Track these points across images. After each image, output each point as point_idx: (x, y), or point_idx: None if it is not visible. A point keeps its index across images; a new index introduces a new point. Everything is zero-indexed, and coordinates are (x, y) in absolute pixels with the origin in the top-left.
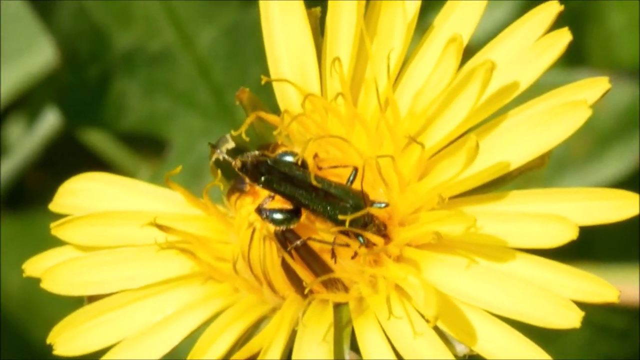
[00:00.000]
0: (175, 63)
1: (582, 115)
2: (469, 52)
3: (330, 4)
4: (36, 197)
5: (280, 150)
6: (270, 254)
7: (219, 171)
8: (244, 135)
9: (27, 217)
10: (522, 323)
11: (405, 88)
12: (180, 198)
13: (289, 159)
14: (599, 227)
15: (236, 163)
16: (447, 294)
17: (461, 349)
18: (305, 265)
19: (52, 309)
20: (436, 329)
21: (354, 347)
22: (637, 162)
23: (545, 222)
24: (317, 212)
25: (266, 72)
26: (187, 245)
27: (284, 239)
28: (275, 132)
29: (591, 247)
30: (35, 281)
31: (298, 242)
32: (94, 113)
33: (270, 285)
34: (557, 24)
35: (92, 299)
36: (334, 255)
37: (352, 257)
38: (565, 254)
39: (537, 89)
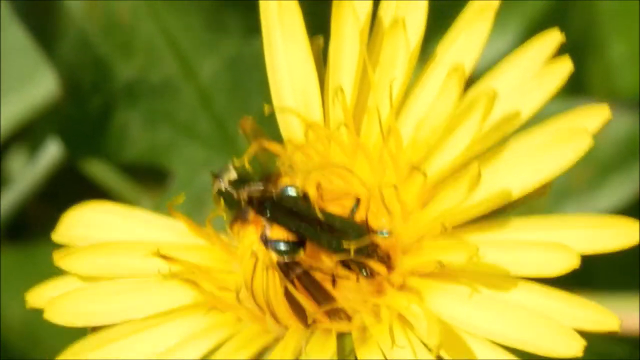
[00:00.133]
0: (177, 94)
1: (584, 144)
2: (471, 81)
3: (333, 32)
4: (38, 229)
5: (283, 181)
6: (273, 284)
7: (222, 200)
8: (246, 165)
9: (28, 248)
10: (525, 352)
11: (408, 117)
12: (183, 227)
13: (292, 191)
14: (598, 255)
15: (242, 197)
16: (450, 322)
17: None
18: (308, 294)
19: (54, 340)
20: (439, 358)
21: None
22: (637, 192)
23: (547, 250)
24: (322, 245)
25: (269, 102)
26: (190, 275)
27: (287, 268)
28: (278, 162)
29: (590, 276)
30: (37, 312)
31: (299, 271)
32: (96, 144)
33: (273, 315)
34: (558, 53)
35: (95, 329)
36: (335, 282)
37: (355, 287)
38: (564, 282)
39: (537, 118)
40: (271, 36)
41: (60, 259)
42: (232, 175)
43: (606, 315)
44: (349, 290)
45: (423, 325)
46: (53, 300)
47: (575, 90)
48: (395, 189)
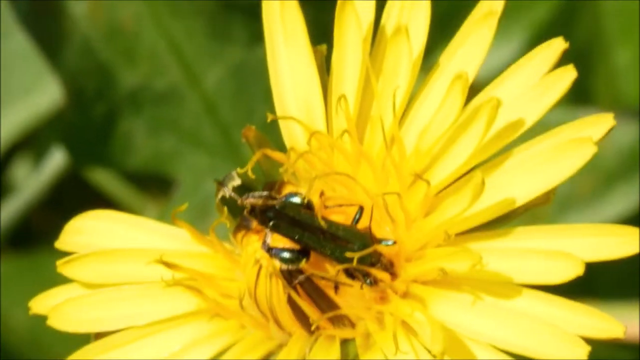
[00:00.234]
0: (182, 102)
1: (587, 152)
2: (474, 91)
3: (335, 40)
4: (42, 237)
5: (286, 189)
6: (276, 291)
7: (225, 208)
8: (250, 173)
9: (32, 256)
10: (529, 358)
11: (411, 125)
12: (187, 235)
13: (296, 200)
14: (600, 263)
15: (246, 207)
16: (453, 329)
17: None
18: (311, 301)
19: (58, 347)
20: None
21: None
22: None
23: (551, 258)
24: (325, 254)
25: (272, 111)
26: (194, 283)
27: (290, 275)
28: (281, 170)
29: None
30: (41, 319)
31: (302, 278)
32: (100, 152)
33: (277, 322)
34: (562, 61)
35: (99, 336)
36: (337, 289)
37: (358, 294)
38: (566, 290)
39: (541, 127)
40: (274, 44)
41: (63, 266)
42: (236, 182)
43: (610, 322)
44: (352, 297)
45: (427, 332)
46: (57, 307)
47: (580, 98)
48: (398, 197)
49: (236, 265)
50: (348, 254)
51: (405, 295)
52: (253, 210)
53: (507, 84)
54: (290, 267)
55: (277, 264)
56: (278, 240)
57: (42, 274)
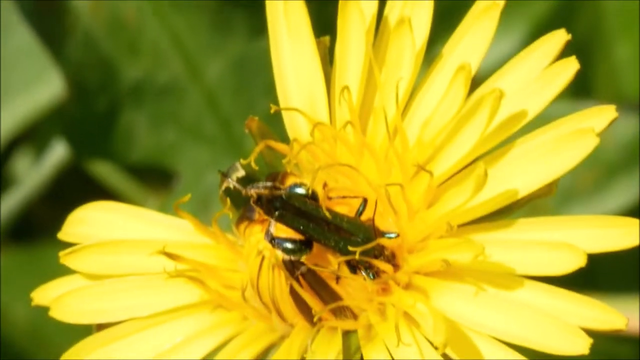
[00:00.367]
0: (183, 95)
1: (589, 144)
2: (476, 83)
3: (339, 32)
4: (43, 230)
5: (289, 180)
6: (279, 282)
7: (228, 200)
8: (253, 164)
9: (33, 249)
10: (530, 350)
11: (414, 117)
12: (189, 226)
13: (300, 190)
14: (601, 255)
15: (252, 196)
16: (455, 321)
17: None
18: (313, 293)
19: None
20: (445, 356)
21: None
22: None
23: (553, 249)
24: (328, 245)
25: (274, 104)
26: (196, 274)
27: (292, 266)
28: (284, 161)
29: (592, 276)
30: (43, 311)
31: (304, 269)
32: (101, 145)
33: (279, 313)
34: (563, 55)
35: (101, 327)
36: (339, 280)
37: (361, 285)
38: (567, 283)
39: (543, 121)
40: (277, 36)
41: (66, 257)
42: (240, 173)
43: (612, 314)
44: (354, 289)
45: (429, 323)
46: (59, 298)
47: (581, 92)
48: (401, 189)
49: (239, 256)
50: (351, 247)
51: (407, 286)
52: (259, 199)
53: (509, 76)
54: (293, 258)
55: (280, 254)
56: (281, 231)
57: (42, 268)
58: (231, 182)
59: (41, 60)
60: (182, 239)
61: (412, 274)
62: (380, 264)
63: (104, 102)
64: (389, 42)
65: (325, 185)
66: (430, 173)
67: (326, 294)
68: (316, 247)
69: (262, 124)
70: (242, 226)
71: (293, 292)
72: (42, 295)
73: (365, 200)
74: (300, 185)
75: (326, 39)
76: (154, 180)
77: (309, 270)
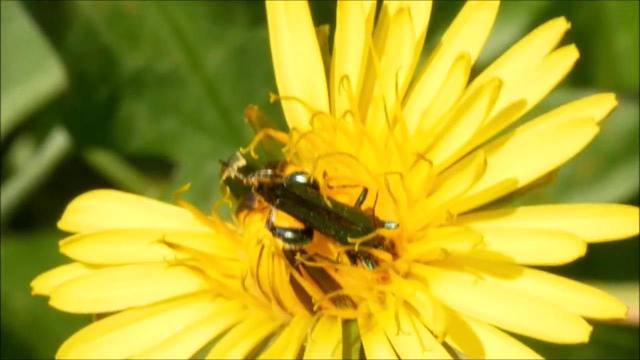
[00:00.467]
0: (183, 84)
1: (589, 133)
2: (475, 73)
3: (338, 21)
4: (43, 220)
5: (289, 168)
6: (278, 271)
7: (228, 189)
8: (252, 153)
9: (33, 238)
10: (530, 338)
11: (414, 106)
12: (189, 215)
13: (301, 179)
14: (600, 245)
15: (253, 184)
16: (455, 309)
17: None
18: (313, 282)
19: (60, 328)
20: (444, 344)
21: None
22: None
23: (553, 238)
24: (329, 234)
25: (274, 93)
26: (196, 263)
27: (292, 255)
28: (283, 150)
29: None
30: (43, 301)
31: (304, 258)
32: (101, 135)
33: (279, 302)
34: (562, 44)
35: (100, 316)
36: (337, 268)
37: (360, 274)
38: (567, 272)
39: (542, 110)
40: (277, 25)
41: (65, 246)
42: (241, 162)
43: (612, 302)
44: (354, 278)
45: (429, 312)
46: (59, 287)
47: (581, 81)
48: (401, 177)
49: (238, 245)
50: (351, 237)
51: (407, 275)
52: (261, 187)
53: (509, 65)
54: (294, 247)
55: (280, 243)
56: (281, 219)
57: (42, 257)
58: (232, 171)
59: (41, 49)
60: (182, 228)
61: (412, 262)
62: (380, 253)
63: (104, 92)
64: (388, 31)
65: (325, 174)
66: (430, 162)
67: (326, 282)
68: (316, 236)
69: (262, 113)
70: (242, 215)
71: (293, 281)
72: (42, 284)
73: (365, 190)
74: (301, 173)
75: (325, 27)
76: (154, 170)
77: (309, 259)
